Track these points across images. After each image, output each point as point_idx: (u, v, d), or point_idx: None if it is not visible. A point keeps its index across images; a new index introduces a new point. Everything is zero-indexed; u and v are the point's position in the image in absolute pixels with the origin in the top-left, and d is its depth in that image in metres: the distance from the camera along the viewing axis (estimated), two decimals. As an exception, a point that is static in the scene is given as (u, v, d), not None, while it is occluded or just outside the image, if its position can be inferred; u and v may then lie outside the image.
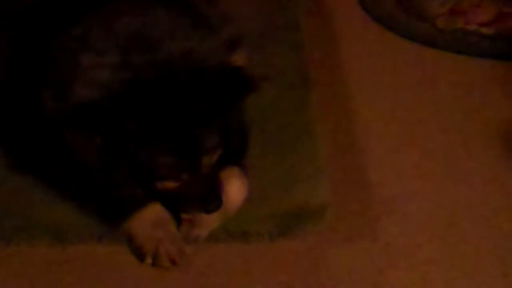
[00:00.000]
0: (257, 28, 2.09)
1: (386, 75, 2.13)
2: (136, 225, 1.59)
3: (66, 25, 1.61)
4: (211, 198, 1.57)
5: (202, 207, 1.58)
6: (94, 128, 1.50)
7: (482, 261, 1.59)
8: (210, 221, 1.61)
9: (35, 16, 1.76)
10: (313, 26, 2.27)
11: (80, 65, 1.52)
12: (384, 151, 1.88)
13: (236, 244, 1.64)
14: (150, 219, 1.60)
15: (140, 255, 1.60)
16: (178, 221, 1.61)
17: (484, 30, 2.27)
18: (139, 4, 1.65)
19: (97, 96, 1.48)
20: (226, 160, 1.62)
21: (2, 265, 1.60)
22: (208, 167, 1.57)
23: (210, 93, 1.52)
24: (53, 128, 1.55)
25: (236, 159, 1.68)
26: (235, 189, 1.65)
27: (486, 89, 2.07)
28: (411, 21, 2.34)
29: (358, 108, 2.02)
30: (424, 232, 1.67)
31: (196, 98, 1.52)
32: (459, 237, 1.64)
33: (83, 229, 1.63)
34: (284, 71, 2.05)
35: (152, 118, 1.49)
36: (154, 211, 1.60)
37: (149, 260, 1.59)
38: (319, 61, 2.14)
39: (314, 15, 2.33)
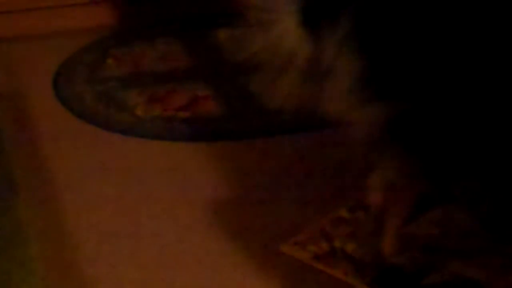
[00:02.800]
0: None
1: (92, 168, 2.11)
2: None
3: None
4: None
5: None
6: None
7: None
8: None
9: None
10: (9, 127, 2.26)
11: None
12: (98, 243, 1.84)
13: None
14: None
15: None
16: None
17: (181, 114, 2.32)
18: None
19: None
20: None
21: None
22: None
23: None
24: None
25: None
26: None
27: (190, 171, 2.10)
28: (110, 112, 2.35)
29: (67, 204, 1.97)
30: None
31: None
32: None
33: None
34: None
35: None
36: None
37: None
38: (22, 163, 2.11)
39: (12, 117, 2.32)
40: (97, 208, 1.95)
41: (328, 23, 1.39)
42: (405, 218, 1.46)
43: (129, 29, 2.87)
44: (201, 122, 2.31)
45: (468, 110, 1.24)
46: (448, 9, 1.28)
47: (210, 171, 2.06)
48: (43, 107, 2.37)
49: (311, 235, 1.78)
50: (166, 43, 2.76)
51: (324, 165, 2.04)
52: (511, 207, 1.23)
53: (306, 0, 1.46)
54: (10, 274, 1.69)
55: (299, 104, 2.34)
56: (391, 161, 1.38)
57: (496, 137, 1.23)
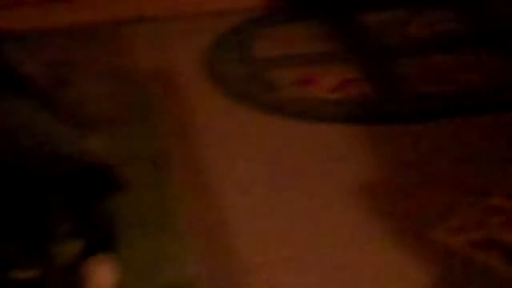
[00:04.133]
0: (114, 107, 2.12)
1: (241, 146, 2.16)
2: None
3: None
4: None
5: None
6: None
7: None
8: None
9: None
10: (166, 103, 2.33)
11: None
12: (247, 220, 1.89)
13: None
14: None
15: None
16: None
17: (332, 95, 2.35)
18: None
19: None
20: (95, 249, 1.63)
21: None
22: (64, 258, 1.56)
23: (63, 187, 1.55)
24: None
25: (104, 247, 1.68)
26: (105, 275, 1.65)
27: (341, 153, 2.11)
28: (260, 92, 2.41)
29: (216, 180, 2.04)
30: None
31: (47, 192, 1.53)
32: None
33: None
34: (144, 150, 2.09)
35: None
36: None
37: None
38: (174, 138, 2.18)
39: (167, 93, 2.40)
40: (246, 186, 2.01)
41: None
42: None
43: (279, 10, 2.91)
44: (354, 105, 2.33)
45: None
46: None
47: (361, 153, 2.09)
48: (194, 85, 2.45)
49: (465, 222, 1.77)
50: (315, 26, 2.77)
51: (481, 151, 2.04)
52: None
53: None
54: (165, 245, 1.77)
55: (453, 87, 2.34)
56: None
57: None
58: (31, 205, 1.52)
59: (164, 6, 2.87)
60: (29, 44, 2.08)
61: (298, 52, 2.64)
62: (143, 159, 2.08)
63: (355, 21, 2.84)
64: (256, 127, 2.27)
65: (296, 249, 1.82)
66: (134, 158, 2.06)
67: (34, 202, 1.53)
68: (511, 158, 2.01)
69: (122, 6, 2.85)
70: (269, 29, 2.81)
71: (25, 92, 1.84)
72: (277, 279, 1.73)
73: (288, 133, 2.23)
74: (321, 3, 2.93)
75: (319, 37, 2.72)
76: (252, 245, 1.82)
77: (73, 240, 1.56)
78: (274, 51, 2.66)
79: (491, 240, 1.72)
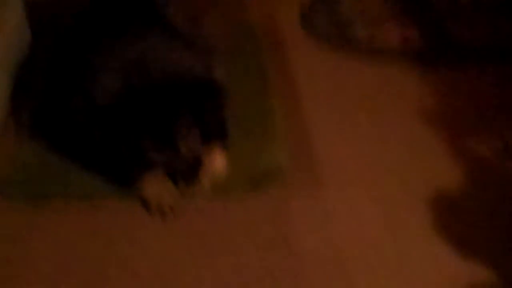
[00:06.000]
0: (230, 45, 2.28)
1: (325, 78, 2.32)
2: (144, 184, 1.87)
3: (91, 51, 1.95)
4: (189, 173, 1.83)
5: (183, 177, 1.83)
6: (106, 125, 1.80)
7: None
8: (202, 183, 1.87)
9: (72, 41, 2.07)
10: (269, 44, 2.48)
11: (98, 81, 1.85)
12: (326, 133, 2.09)
13: (220, 199, 1.89)
14: (154, 179, 1.87)
15: (148, 205, 1.88)
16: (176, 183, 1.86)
17: (394, 44, 2.51)
18: (141, 35, 1.94)
19: (107, 103, 1.79)
20: (211, 138, 1.89)
21: (47, 218, 1.86)
22: (188, 148, 1.82)
23: (186, 99, 1.79)
24: (83, 124, 1.86)
25: (219, 140, 1.93)
26: (218, 160, 1.92)
27: (398, 86, 2.29)
28: (342, 38, 2.56)
29: (305, 101, 2.22)
30: (357, 185, 1.90)
31: (175, 104, 1.78)
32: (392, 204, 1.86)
33: (106, 190, 1.91)
34: (251, 73, 2.28)
35: (143, 117, 1.77)
36: (157, 175, 1.87)
37: (154, 209, 1.87)
38: (275, 74, 2.33)
39: (269, 36, 2.55)
40: (325, 103, 2.20)
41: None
42: None
43: None
44: (411, 51, 2.47)
45: None
46: None
47: (416, 87, 2.28)
48: (291, 35, 2.57)
49: (489, 137, 1.99)
50: None
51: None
52: None
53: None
54: (264, 141, 2.01)
55: None
56: None
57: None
58: (165, 115, 1.78)
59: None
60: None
61: (371, 13, 2.65)
62: (249, 77, 2.24)
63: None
64: (336, 64, 2.40)
65: (360, 147, 2.02)
66: (242, 77, 2.21)
67: (166, 114, 1.79)
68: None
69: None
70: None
71: (166, 26, 2.03)
72: (347, 172, 1.94)
73: (374, 77, 2.36)
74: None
75: (388, 2, 2.68)
76: (327, 144, 2.04)
77: (194, 135, 1.82)
78: (354, 12, 2.67)
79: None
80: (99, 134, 1.83)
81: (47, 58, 2.19)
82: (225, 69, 2.08)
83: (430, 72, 2.39)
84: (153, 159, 1.84)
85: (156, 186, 1.87)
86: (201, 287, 1.75)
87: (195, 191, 1.88)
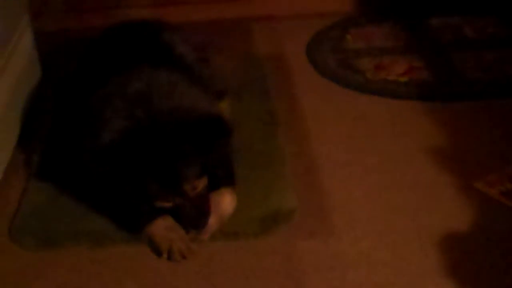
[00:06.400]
0: (237, 81, 2.37)
1: (331, 113, 2.39)
2: (154, 230, 1.85)
3: (97, 89, 1.94)
4: (198, 218, 1.81)
5: (191, 224, 1.82)
6: (111, 165, 1.77)
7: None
8: (210, 226, 1.85)
9: (80, 77, 2.07)
10: (276, 79, 2.57)
11: (104, 119, 1.84)
12: (333, 168, 2.11)
13: (230, 241, 1.87)
14: (164, 225, 1.85)
15: (158, 252, 1.84)
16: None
17: (401, 78, 2.59)
18: (147, 71, 1.93)
19: (110, 141, 1.76)
20: (219, 183, 1.89)
21: (55, 262, 1.84)
22: (195, 191, 1.79)
23: (190, 137, 1.76)
24: (91, 166, 1.83)
25: (226, 182, 1.92)
26: (227, 203, 1.91)
27: (407, 122, 2.33)
28: (347, 74, 2.62)
29: (312, 136, 2.25)
30: (367, 228, 1.90)
31: (179, 142, 1.75)
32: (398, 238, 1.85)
33: (115, 235, 1.89)
34: (258, 113, 2.32)
35: (145, 157, 1.74)
36: (166, 220, 1.85)
37: (165, 255, 1.83)
38: (281, 104, 2.41)
39: (276, 72, 2.63)
40: (333, 143, 2.23)
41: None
42: None
43: (363, 14, 3.10)
44: (417, 86, 2.53)
45: None
46: None
47: (423, 123, 2.31)
48: (298, 67, 2.66)
49: (499, 178, 2.01)
50: (390, 26, 2.95)
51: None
52: None
53: None
54: (273, 183, 2.02)
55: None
56: None
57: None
58: (167, 153, 1.75)
59: (274, 8, 3.09)
60: (183, 33, 2.27)
61: (377, 45, 2.83)
62: (257, 118, 2.28)
63: (421, 23, 2.97)
64: (343, 99, 2.47)
65: (367, 192, 2.02)
66: (250, 117, 2.26)
67: (170, 153, 1.75)
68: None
69: (253, 6, 3.08)
70: (355, 28, 2.98)
71: (176, 66, 2.03)
72: (357, 214, 1.94)
73: (367, 105, 2.43)
74: (394, 9, 3.05)
75: (392, 35, 2.90)
76: (336, 186, 2.05)
77: (199, 177, 1.79)
78: (359, 44, 2.85)
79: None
80: (105, 175, 1.80)
81: (55, 96, 2.20)
82: (232, 108, 2.11)
83: (437, 106, 2.42)
84: (160, 207, 1.83)
85: (165, 232, 1.85)
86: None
87: (204, 235, 1.86)
